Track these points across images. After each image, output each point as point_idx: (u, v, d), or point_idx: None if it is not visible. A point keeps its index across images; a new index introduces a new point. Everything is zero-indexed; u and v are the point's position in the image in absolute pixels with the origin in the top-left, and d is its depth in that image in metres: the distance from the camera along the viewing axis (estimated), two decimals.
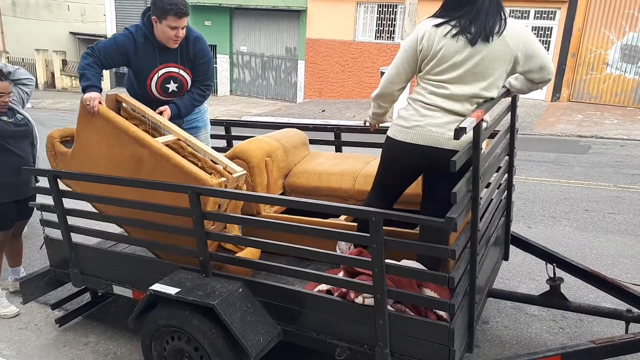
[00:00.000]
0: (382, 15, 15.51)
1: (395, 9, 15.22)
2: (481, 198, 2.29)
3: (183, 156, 2.79)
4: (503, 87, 2.54)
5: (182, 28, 3.13)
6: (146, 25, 3.18)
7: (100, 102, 2.89)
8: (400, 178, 2.59)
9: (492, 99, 2.37)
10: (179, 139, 2.95)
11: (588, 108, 13.16)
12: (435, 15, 2.35)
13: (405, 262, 2.42)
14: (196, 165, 2.77)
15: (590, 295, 3.67)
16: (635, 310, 2.70)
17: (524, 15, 13.97)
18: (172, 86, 3.34)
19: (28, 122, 3.61)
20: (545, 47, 13.43)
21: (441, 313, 2.23)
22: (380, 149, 2.63)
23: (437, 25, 2.28)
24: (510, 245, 3.35)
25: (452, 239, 2.44)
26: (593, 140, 9.94)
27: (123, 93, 3.16)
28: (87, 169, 2.96)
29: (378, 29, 15.71)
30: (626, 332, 2.65)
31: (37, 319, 3.56)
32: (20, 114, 3.58)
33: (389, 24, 15.50)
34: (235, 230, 2.98)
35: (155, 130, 3.01)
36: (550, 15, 13.76)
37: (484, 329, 3.31)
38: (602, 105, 13.39)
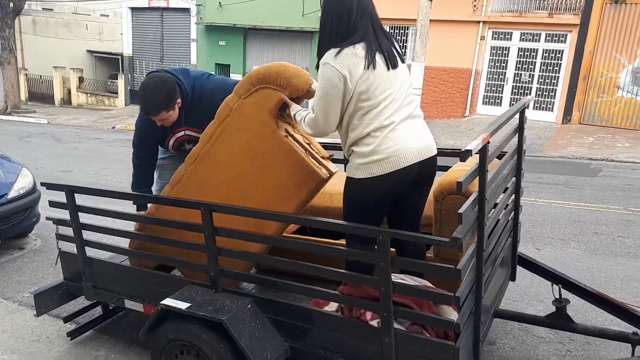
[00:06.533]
0: (394, 37, 15.68)
1: (407, 31, 15.42)
2: (487, 218, 2.33)
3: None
4: None
5: (165, 118, 3.07)
6: None
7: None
8: (386, 209, 2.54)
9: None
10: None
11: (599, 131, 13.15)
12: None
13: (406, 278, 2.44)
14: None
15: (598, 318, 3.66)
16: None
17: (535, 38, 14.10)
18: (188, 147, 3.28)
19: None
20: (556, 70, 13.59)
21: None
22: None
23: None
24: (518, 267, 3.38)
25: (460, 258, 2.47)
26: (604, 164, 9.93)
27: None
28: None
29: None
30: (632, 355, 2.65)
31: (49, 332, 3.63)
32: None
33: (400, 45, 15.65)
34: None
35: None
36: (561, 38, 13.86)
37: (490, 350, 3.31)
38: (614, 128, 13.37)
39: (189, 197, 2.81)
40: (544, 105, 14.29)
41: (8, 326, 3.72)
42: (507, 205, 3.11)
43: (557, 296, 2.89)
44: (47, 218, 3.36)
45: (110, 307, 3.68)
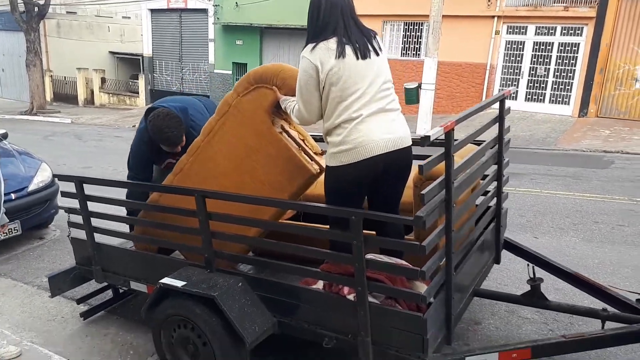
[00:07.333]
0: (409, 33, 15.78)
1: (421, 27, 15.46)
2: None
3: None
4: None
5: (180, 144, 3.33)
6: (149, 128, 3.35)
7: None
8: (360, 194, 2.69)
9: None
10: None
11: (616, 124, 13.01)
12: None
13: (384, 258, 2.61)
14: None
15: (586, 301, 3.76)
16: (610, 309, 2.83)
17: (551, 31, 14.01)
18: None
19: None
20: (572, 63, 13.47)
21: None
22: None
23: None
24: (511, 254, 3.54)
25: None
26: (618, 156, 9.88)
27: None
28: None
29: (404, 46, 15.97)
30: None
31: (64, 312, 3.91)
32: None
33: (414, 41, 15.76)
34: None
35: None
36: (577, 32, 13.74)
37: (475, 329, 3.46)
38: (632, 121, 13.20)
39: (189, 185, 3.03)
40: (560, 99, 14.19)
41: (27, 307, 4.02)
42: (489, 191, 3.25)
43: (532, 275, 3.03)
44: (60, 207, 3.62)
45: (121, 291, 3.94)
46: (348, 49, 2.47)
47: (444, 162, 2.32)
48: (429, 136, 2.08)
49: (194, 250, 3.06)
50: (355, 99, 2.48)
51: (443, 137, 2.25)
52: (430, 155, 2.29)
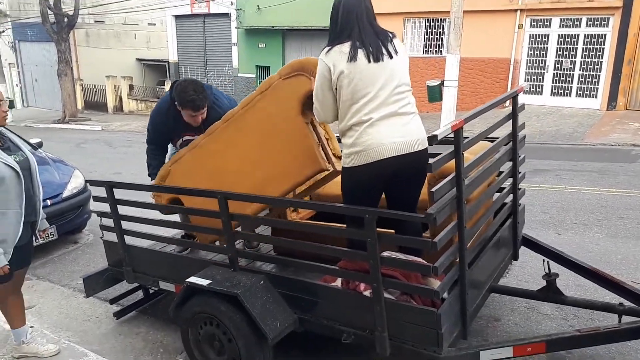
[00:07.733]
0: (430, 30, 15.74)
1: (442, 23, 15.40)
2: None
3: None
4: None
5: (201, 114, 3.46)
6: (174, 98, 3.50)
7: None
8: (374, 195, 2.74)
9: None
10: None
11: None
12: None
13: (400, 255, 2.69)
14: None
15: (607, 297, 3.76)
16: (627, 303, 2.84)
17: (576, 23, 13.79)
18: None
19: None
20: (598, 55, 13.21)
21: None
22: None
23: None
24: (532, 252, 3.57)
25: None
26: None
27: None
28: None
29: (426, 43, 15.93)
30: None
31: (98, 313, 4.10)
32: (23, 152, 3.20)
33: (437, 37, 15.70)
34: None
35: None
36: (603, 22, 13.49)
37: (495, 326, 3.50)
38: None
39: (217, 149, 3.22)
40: (587, 92, 13.94)
41: (64, 308, 4.23)
42: (504, 188, 3.30)
43: (547, 271, 3.06)
44: (92, 211, 3.81)
45: (151, 291, 4.12)
46: (360, 53, 2.55)
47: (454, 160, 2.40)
48: (436, 135, 2.15)
49: (216, 250, 3.19)
50: (366, 102, 2.55)
51: (452, 135, 2.33)
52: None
